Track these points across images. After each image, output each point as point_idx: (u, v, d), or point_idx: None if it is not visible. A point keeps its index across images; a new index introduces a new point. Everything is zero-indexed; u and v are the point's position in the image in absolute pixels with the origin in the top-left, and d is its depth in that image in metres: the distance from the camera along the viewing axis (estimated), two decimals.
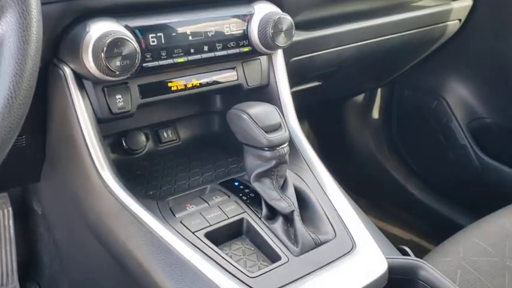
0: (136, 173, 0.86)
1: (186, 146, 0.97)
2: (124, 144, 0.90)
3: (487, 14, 1.40)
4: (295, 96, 0.94)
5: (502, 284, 0.86)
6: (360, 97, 1.80)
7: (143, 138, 0.92)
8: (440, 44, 1.46)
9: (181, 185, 0.82)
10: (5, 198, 1.27)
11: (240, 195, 0.75)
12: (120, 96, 0.74)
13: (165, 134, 0.96)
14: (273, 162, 0.70)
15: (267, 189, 0.72)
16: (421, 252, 0.89)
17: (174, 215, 0.70)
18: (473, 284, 0.84)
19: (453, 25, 1.39)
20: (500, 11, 1.38)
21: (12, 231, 1.28)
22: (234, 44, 0.80)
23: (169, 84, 0.79)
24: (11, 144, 0.47)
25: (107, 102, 0.73)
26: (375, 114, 1.81)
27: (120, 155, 0.89)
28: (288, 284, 0.64)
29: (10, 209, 1.27)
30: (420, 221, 1.71)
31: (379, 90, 1.76)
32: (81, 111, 0.71)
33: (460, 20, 1.39)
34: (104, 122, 0.74)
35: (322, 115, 1.90)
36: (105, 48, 0.64)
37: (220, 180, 0.81)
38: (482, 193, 1.52)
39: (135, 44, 0.67)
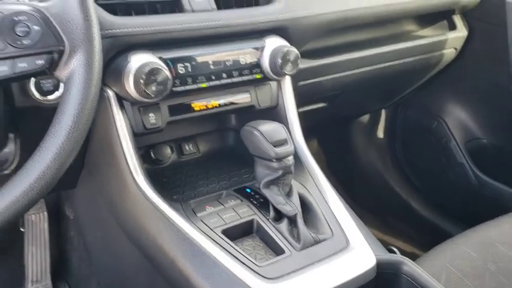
0: (162, 180, 0.99)
1: (205, 158, 1.10)
2: (152, 155, 1.04)
3: (482, 42, 1.50)
4: (303, 115, 1.07)
5: (482, 283, 0.97)
6: (366, 117, 1.92)
7: (168, 150, 1.06)
8: (438, 70, 1.57)
9: (200, 190, 0.95)
10: (41, 203, 1.41)
11: (251, 200, 0.89)
12: (152, 115, 0.88)
13: (187, 147, 1.09)
14: (280, 172, 0.83)
15: (274, 195, 0.85)
16: None
17: (196, 215, 0.84)
18: (456, 282, 0.96)
19: (450, 53, 1.50)
20: (494, 40, 1.48)
21: (47, 234, 1.41)
22: (248, 71, 0.94)
23: (193, 105, 0.93)
24: (75, 154, 0.60)
25: (142, 120, 0.87)
26: (380, 133, 1.93)
27: (149, 164, 1.02)
28: (290, 272, 0.76)
29: (46, 213, 1.41)
30: (422, 234, 1.81)
31: (383, 111, 1.88)
32: (121, 126, 0.85)
33: (456, 48, 1.50)
34: (138, 136, 0.88)
35: (330, 133, 2.03)
36: (144, 76, 0.78)
37: (234, 187, 0.94)
38: (479, 208, 1.61)
39: (168, 73, 0.81)
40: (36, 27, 0.58)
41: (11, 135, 0.89)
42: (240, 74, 0.93)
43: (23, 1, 0.69)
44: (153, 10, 0.89)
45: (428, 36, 1.43)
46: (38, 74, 0.62)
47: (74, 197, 1.28)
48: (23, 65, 0.58)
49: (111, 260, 1.16)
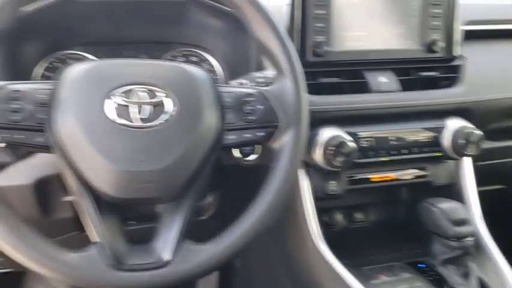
0: (334, 244, 1.06)
1: (374, 227, 1.14)
2: (324, 219, 1.11)
3: None
4: (481, 196, 1.06)
5: None
6: None
7: (340, 216, 1.13)
8: None
9: (371, 259, 0.99)
10: None
11: (425, 275, 0.90)
12: (333, 182, 0.97)
13: (357, 215, 1.15)
14: (459, 252, 0.83)
15: (451, 275, 0.85)
16: None
17: (370, 281, 0.88)
18: None
19: None
20: None
21: (215, 285, 1.55)
22: (428, 149, 0.98)
23: (370, 176, 1.00)
24: (280, 211, 0.71)
25: (323, 186, 0.96)
26: None
27: (321, 227, 1.11)
28: None
29: None
30: None
31: None
32: (305, 189, 0.95)
33: None
34: (319, 201, 0.97)
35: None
36: (332, 148, 0.88)
37: (406, 261, 0.96)
38: None
39: (353, 146, 0.89)
40: (260, 107, 0.71)
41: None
42: (420, 151, 0.97)
43: (250, 85, 0.85)
44: (341, 90, 0.99)
45: None
46: (257, 143, 0.75)
47: (246, 252, 1.40)
48: (247, 136, 0.71)
49: None
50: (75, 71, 0.66)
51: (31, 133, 0.63)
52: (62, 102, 0.64)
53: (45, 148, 0.64)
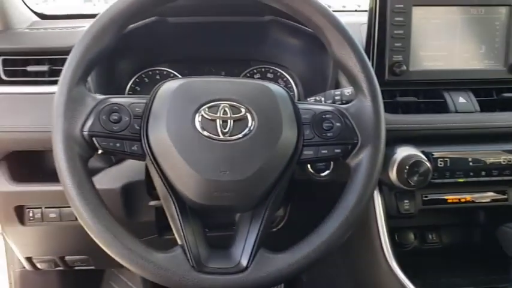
0: (406, 263, 1.05)
1: (447, 249, 1.12)
2: (396, 238, 1.11)
3: None
4: None
5: None
6: None
7: (412, 236, 1.11)
8: None
9: (443, 282, 0.97)
10: None
11: None
12: (407, 201, 0.97)
13: (430, 236, 1.13)
14: None
15: None
16: None
17: None
18: None
19: None
20: None
21: None
22: (509, 172, 0.95)
23: (446, 197, 0.98)
24: (355, 227, 0.72)
25: (397, 204, 0.96)
26: None
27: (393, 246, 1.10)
28: None
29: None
30: None
31: None
32: (379, 207, 0.95)
33: None
34: (391, 219, 0.97)
35: None
36: (407, 167, 0.88)
37: (483, 287, 0.93)
38: None
39: (429, 165, 0.89)
40: (337, 124, 0.73)
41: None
42: (500, 174, 0.95)
43: (328, 103, 0.88)
44: (418, 110, 0.99)
45: None
46: (334, 159, 0.77)
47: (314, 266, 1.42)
48: (324, 152, 0.73)
49: None
50: (166, 88, 0.72)
51: (127, 142, 0.70)
52: (155, 115, 0.70)
53: (139, 156, 0.70)
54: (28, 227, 1.02)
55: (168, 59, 1.11)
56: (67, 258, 1.13)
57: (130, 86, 1.10)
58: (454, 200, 0.98)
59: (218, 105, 0.70)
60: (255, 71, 1.14)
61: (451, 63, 0.98)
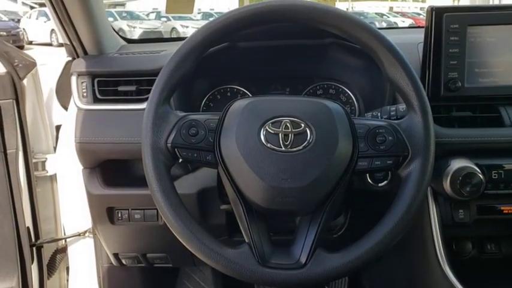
0: (463, 273, 1.08)
1: (508, 260, 1.14)
2: (453, 247, 1.14)
3: None
4: None
5: None
6: None
7: (470, 245, 1.14)
8: None
9: None
10: None
11: None
12: (462, 211, 1.01)
13: (489, 246, 1.15)
14: None
15: None
16: None
17: None
18: None
19: None
20: None
21: None
22: None
23: (502, 208, 1.01)
24: (404, 232, 0.79)
25: (452, 214, 1.01)
26: None
27: (449, 254, 1.13)
28: None
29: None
30: None
31: None
32: (434, 216, 1.01)
33: None
34: (447, 228, 1.02)
35: None
36: (460, 178, 0.93)
37: None
38: None
39: (482, 177, 0.93)
40: (390, 138, 0.81)
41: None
42: None
43: (383, 118, 0.96)
44: (474, 124, 1.03)
45: None
46: (386, 170, 0.85)
47: (373, 269, 1.47)
48: (377, 163, 0.81)
49: None
50: (236, 106, 0.83)
51: (203, 152, 0.82)
52: (226, 129, 0.81)
53: (212, 164, 0.82)
54: (117, 226, 1.18)
55: (238, 78, 1.23)
56: (148, 255, 1.27)
57: (205, 102, 1.23)
58: (510, 211, 1.01)
59: (281, 121, 0.80)
60: (318, 87, 1.23)
61: (507, 79, 1.02)
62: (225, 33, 0.82)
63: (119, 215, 1.16)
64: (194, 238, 0.78)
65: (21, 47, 11.35)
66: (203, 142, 0.82)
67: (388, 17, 15.60)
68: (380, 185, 1.05)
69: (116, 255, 1.29)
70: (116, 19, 12.57)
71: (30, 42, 11.89)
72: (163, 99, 0.82)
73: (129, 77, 1.13)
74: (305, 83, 1.24)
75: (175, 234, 0.79)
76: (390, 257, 1.25)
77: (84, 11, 1.13)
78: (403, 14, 17.02)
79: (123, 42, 1.39)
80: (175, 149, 0.81)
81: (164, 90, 0.82)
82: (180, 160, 0.82)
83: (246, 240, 0.80)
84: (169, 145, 0.81)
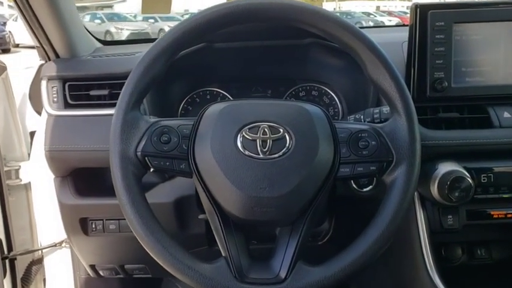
0: (453, 279, 1.04)
1: (498, 265, 1.10)
2: (443, 253, 1.10)
3: None
4: None
5: None
6: None
7: (460, 251, 1.11)
8: None
9: None
10: None
11: None
12: (450, 217, 0.97)
13: (479, 252, 1.12)
14: None
15: None
16: None
17: None
18: None
19: None
20: None
21: None
22: None
23: (492, 212, 0.97)
24: (389, 242, 0.75)
25: (440, 220, 0.97)
26: None
27: (439, 261, 1.09)
28: None
29: None
30: None
31: None
32: (421, 222, 0.96)
33: None
34: (436, 234, 0.98)
35: None
36: (448, 183, 0.89)
37: None
38: None
39: (471, 181, 0.89)
40: (373, 142, 0.76)
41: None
42: None
43: (366, 121, 0.91)
44: (462, 125, 0.99)
45: None
46: (369, 176, 0.80)
47: (364, 276, 1.43)
48: (360, 169, 0.76)
49: None
50: (211, 111, 0.78)
51: (176, 161, 0.77)
52: (201, 136, 0.76)
53: (186, 173, 0.77)
54: (91, 237, 1.12)
55: (217, 80, 1.18)
56: (126, 266, 1.22)
57: (183, 105, 1.17)
58: (500, 216, 0.97)
59: (258, 126, 0.75)
60: (300, 89, 1.19)
61: (495, 78, 0.98)
62: (197, 34, 0.77)
63: (93, 225, 1.11)
64: (166, 253, 0.73)
65: (8, 50, 11.22)
66: (176, 150, 0.77)
67: (375, 16, 15.61)
68: (365, 190, 1.01)
69: (92, 266, 1.23)
70: (103, 21, 12.46)
71: (17, 45, 11.71)
72: (133, 104, 0.77)
73: (102, 81, 1.07)
74: (287, 85, 1.19)
75: (146, 250, 0.74)
76: (378, 265, 1.21)
77: (53, 13, 1.07)
78: (390, 13, 17.06)
79: (99, 45, 1.33)
80: (146, 158, 0.76)
81: (132, 95, 0.77)
82: (152, 170, 0.77)
83: (223, 254, 0.76)
84: (139, 154, 0.76)
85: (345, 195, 1.03)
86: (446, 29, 0.95)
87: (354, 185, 1.02)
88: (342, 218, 1.12)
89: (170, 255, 0.73)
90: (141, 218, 0.73)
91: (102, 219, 1.10)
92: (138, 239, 0.74)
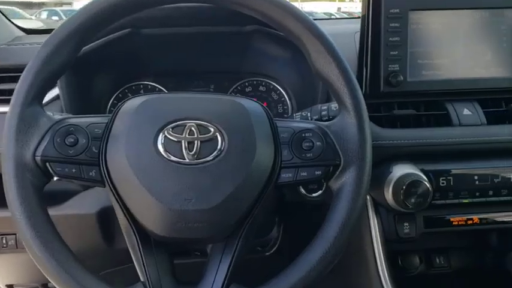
0: None
1: (457, 274, 1.02)
2: (399, 263, 1.02)
3: None
4: None
5: None
6: None
7: (417, 260, 1.02)
8: None
9: None
10: None
11: None
12: (407, 224, 0.88)
13: (438, 260, 1.04)
14: None
15: None
16: None
17: None
18: None
19: None
20: None
21: None
22: None
23: (451, 219, 0.89)
24: (341, 253, 0.64)
25: (396, 228, 0.88)
26: None
27: (395, 271, 1.01)
28: None
29: None
30: None
31: None
32: (375, 231, 0.87)
33: None
34: (389, 242, 0.88)
35: None
36: (404, 187, 0.79)
37: None
38: None
39: (429, 185, 0.80)
40: (318, 143, 0.66)
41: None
42: (510, 193, 0.85)
43: (313, 119, 0.81)
44: (419, 123, 0.91)
45: None
46: (315, 182, 0.69)
47: None
48: (303, 174, 0.65)
49: None
50: (128, 106, 0.66)
51: (84, 167, 0.63)
52: (114, 137, 0.64)
53: (97, 182, 0.64)
54: (1, 254, 0.97)
55: (153, 73, 1.05)
56: (50, 285, 1.07)
57: (112, 102, 1.04)
58: (460, 222, 0.89)
59: (184, 125, 0.63)
60: (246, 83, 1.07)
61: (454, 72, 0.89)
62: (108, 16, 0.64)
63: (4, 241, 0.95)
64: (68, 278, 0.60)
65: None
66: (84, 154, 0.64)
67: (336, 16, 15.80)
68: (314, 195, 0.90)
69: (10, 286, 1.08)
70: (61, 18, 12.08)
71: None
72: (32, 99, 0.63)
73: (11, 73, 0.92)
74: (232, 79, 1.07)
75: (42, 272, 0.61)
76: (329, 276, 1.11)
77: None
78: (351, 14, 17.31)
79: (20, 33, 1.18)
80: (47, 164, 0.63)
81: (32, 87, 0.63)
82: (56, 178, 0.64)
83: (141, 279, 0.63)
84: (38, 158, 0.62)
85: (294, 201, 0.92)
86: (402, 17, 0.86)
87: (303, 190, 0.91)
88: (292, 226, 1.01)
89: (74, 280, 0.60)
90: (38, 236, 0.60)
91: (15, 234, 0.95)
92: (36, 263, 0.61)
